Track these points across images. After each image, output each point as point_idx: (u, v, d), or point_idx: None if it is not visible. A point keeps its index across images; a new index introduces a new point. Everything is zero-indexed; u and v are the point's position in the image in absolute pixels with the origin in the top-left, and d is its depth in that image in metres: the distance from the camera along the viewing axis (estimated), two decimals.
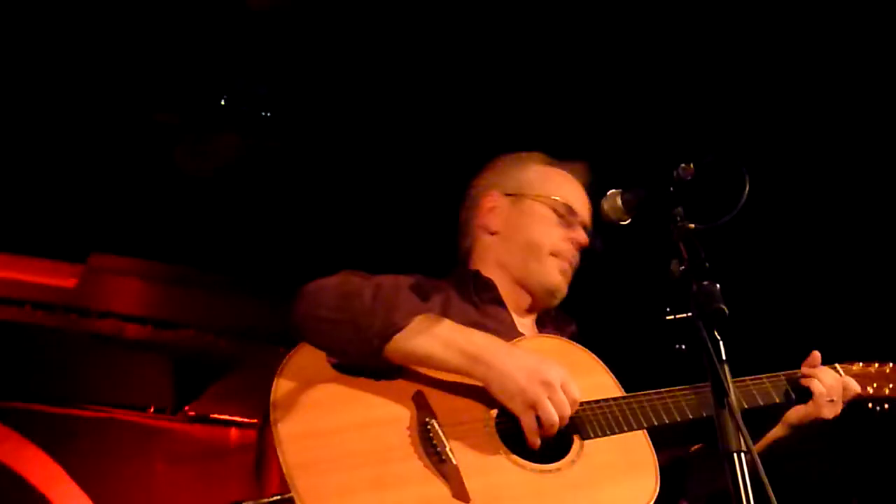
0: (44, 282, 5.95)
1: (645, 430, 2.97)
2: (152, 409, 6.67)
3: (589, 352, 3.14)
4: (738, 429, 2.36)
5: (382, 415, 2.86)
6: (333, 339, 2.91)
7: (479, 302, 3.26)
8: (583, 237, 3.34)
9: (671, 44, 5.09)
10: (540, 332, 3.34)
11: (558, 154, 3.53)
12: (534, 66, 5.21)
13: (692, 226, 2.62)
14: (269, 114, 5.29)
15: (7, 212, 5.43)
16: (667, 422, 2.98)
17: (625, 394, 3.05)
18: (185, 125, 5.35)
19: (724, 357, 2.42)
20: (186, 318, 6.35)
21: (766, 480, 2.30)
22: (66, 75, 5.01)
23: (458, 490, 2.76)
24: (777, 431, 3.24)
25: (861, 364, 3.36)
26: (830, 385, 3.17)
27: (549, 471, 2.85)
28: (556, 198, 3.36)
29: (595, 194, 3.33)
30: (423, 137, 5.51)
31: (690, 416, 2.99)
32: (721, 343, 2.43)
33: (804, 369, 3.22)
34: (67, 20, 4.81)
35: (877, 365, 3.38)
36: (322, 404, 2.87)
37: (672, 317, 2.50)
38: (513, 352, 2.91)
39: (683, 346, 2.50)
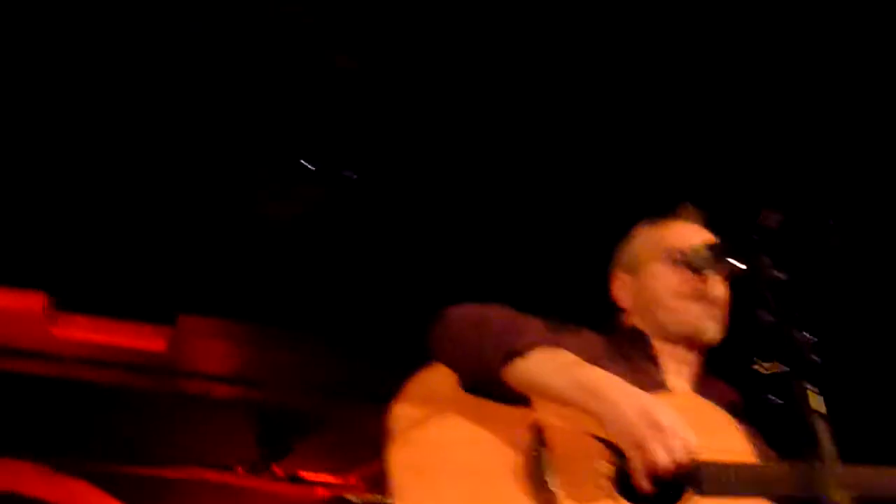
0: (133, 345, 6.02)
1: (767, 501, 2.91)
2: (240, 469, 6.68)
3: (730, 418, 3.09)
4: (837, 484, 2.30)
5: (496, 437, 2.88)
6: (459, 360, 2.95)
7: (631, 357, 3.25)
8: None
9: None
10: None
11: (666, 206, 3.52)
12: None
13: (781, 275, 2.59)
14: (354, 175, 5.34)
15: (97, 275, 5.52)
16: (793, 495, 2.91)
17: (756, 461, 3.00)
18: (270, 179, 5.41)
19: (822, 410, 2.37)
20: (273, 378, 6.38)
21: None
22: (152, 136, 5.10)
23: None
24: None
25: None
26: None
27: None
28: (665, 247, 3.35)
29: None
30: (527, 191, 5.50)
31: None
32: (818, 396, 2.39)
33: None
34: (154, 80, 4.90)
35: None
36: (438, 417, 2.91)
37: (765, 370, 2.46)
38: (630, 390, 2.85)
39: (776, 398, 2.46)
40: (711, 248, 2.86)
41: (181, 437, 6.53)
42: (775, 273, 2.59)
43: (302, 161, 5.28)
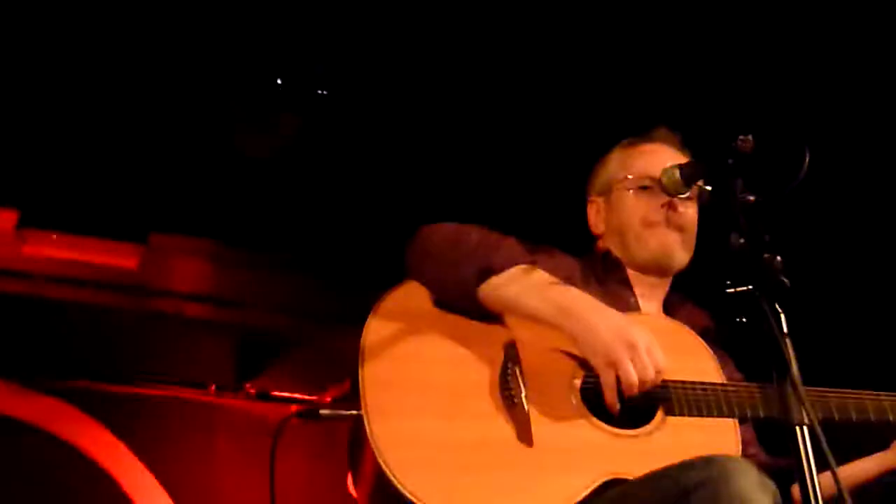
0: (105, 262, 6.00)
1: (735, 421, 2.94)
2: (213, 387, 6.71)
3: (700, 339, 3.13)
4: (801, 402, 2.33)
5: (469, 354, 2.92)
6: (435, 277, 3.00)
7: (604, 280, 3.27)
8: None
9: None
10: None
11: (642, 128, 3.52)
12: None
13: (752, 198, 2.60)
14: (325, 92, 5.29)
15: (67, 192, 5.48)
16: (760, 415, 2.94)
17: (725, 382, 3.03)
18: (243, 105, 5.37)
19: (785, 330, 2.39)
20: (247, 297, 6.38)
21: (829, 454, 2.27)
22: (124, 57, 5.04)
23: (523, 434, 2.79)
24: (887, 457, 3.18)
25: None
26: None
27: (624, 436, 2.85)
28: (634, 174, 3.36)
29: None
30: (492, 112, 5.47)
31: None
32: (783, 316, 2.40)
33: None
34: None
35: None
36: (412, 334, 2.94)
37: (733, 290, 2.48)
38: (605, 310, 2.91)
39: (744, 319, 2.48)
40: (682, 168, 2.87)
41: (153, 356, 6.54)
42: (747, 196, 2.59)
43: (277, 81, 5.24)
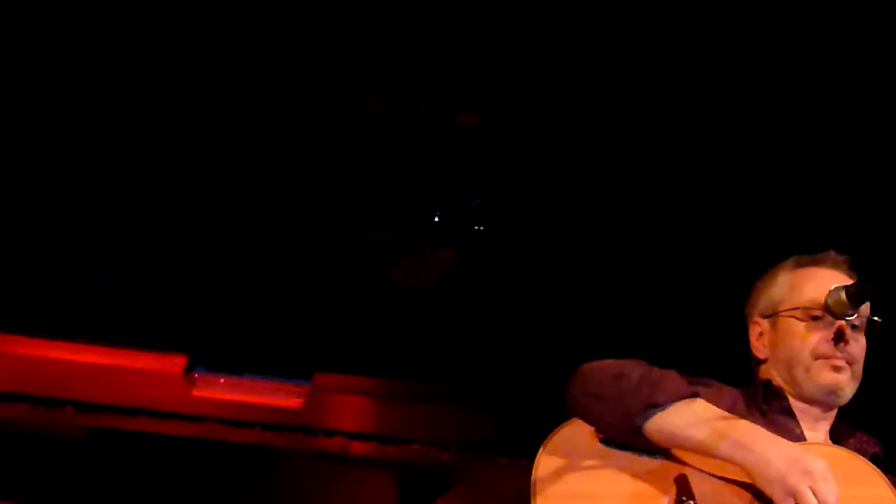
0: (271, 403, 6.09)
1: None
2: None
3: (873, 466, 3.04)
4: None
5: (642, 490, 2.88)
6: (599, 415, 2.97)
7: (768, 411, 3.21)
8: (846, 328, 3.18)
9: None
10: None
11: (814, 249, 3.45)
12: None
13: None
14: (481, 227, 5.36)
15: (234, 334, 5.62)
16: None
17: None
18: (400, 242, 5.46)
19: None
20: (410, 433, 6.40)
21: None
22: (283, 198, 5.19)
23: None
24: None
25: None
26: None
27: None
28: (805, 300, 3.28)
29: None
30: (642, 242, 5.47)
31: None
32: None
33: None
34: (282, 142, 4.98)
35: None
36: (583, 472, 2.91)
37: None
38: (776, 439, 2.87)
39: None
40: (847, 289, 2.80)
41: (319, 495, 6.58)
42: None
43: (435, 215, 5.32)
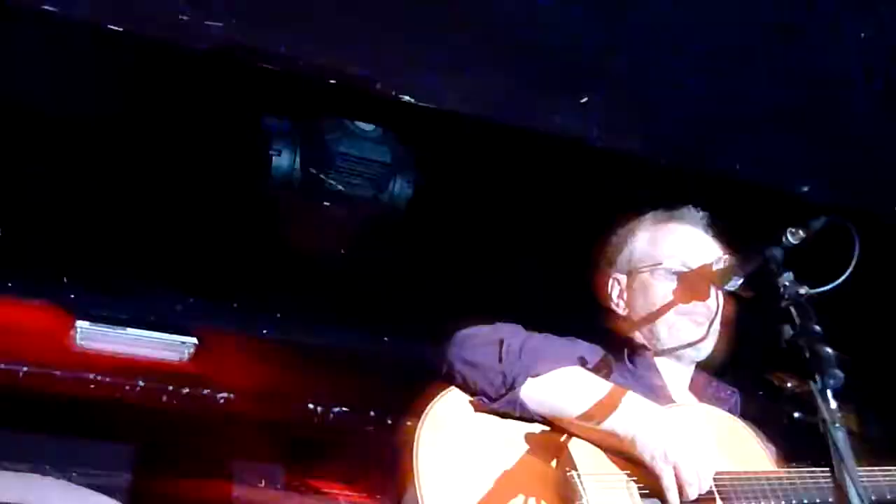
0: (156, 359, 6.03)
1: None
2: (263, 484, 6.68)
3: (743, 423, 3.11)
4: (855, 485, 2.30)
5: (523, 461, 2.88)
6: (477, 384, 2.95)
7: (634, 368, 3.25)
8: (706, 286, 3.25)
9: None
10: (697, 399, 3.31)
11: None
12: None
13: (803, 291, 2.58)
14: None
15: (121, 290, 5.54)
16: (817, 502, 2.92)
17: (775, 468, 3.01)
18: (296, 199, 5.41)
19: (842, 426, 2.36)
20: (296, 394, 6.38)
21: None
22: (174, 153, 5.13)
23: None
24: None
25: None
26: None
27: None
28: (665, 261, 3.33)
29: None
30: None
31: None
32: (838, 411, 2.37)
33: None
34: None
35: None
36: (463, 446, 2.90)
37: (787, 383, 2.46)
38: (655, 410, 2.91)
39: (799, 415, 2.46)
40: (733, 261, 2.87)
41: (203, 453, 6.54)
42: (799, 288, 2.58)
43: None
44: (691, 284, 3.27)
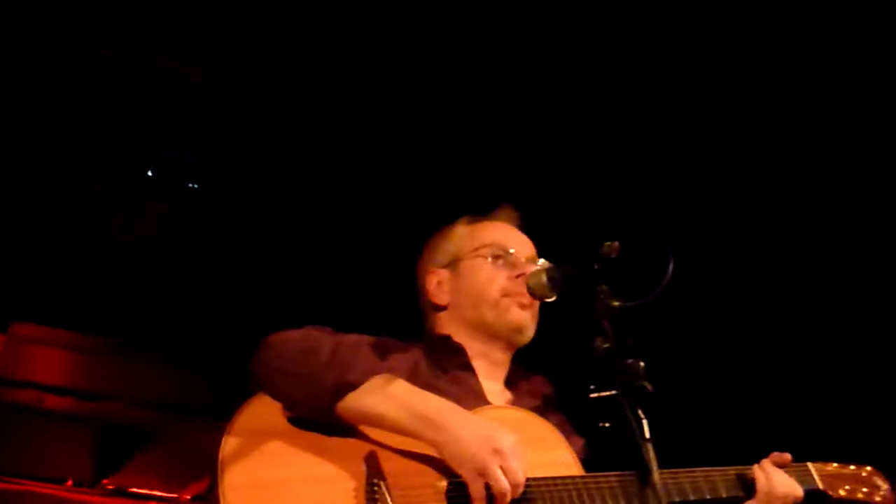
0: None
1: None
2: (70, 483, 6.54)
3: (552, 426, 3.14)
4: (656, 489, 2.36)
5: (331, 472, 2.83)
6: (288, 392, 2.89)
7: (449, 367, 3.25)
8: (529, 268, 3.25)
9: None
10: (513, 395, 3.32)
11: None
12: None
13: (617, 303, 2.63)
14: (196, 185, 5.27)
15: None
16: None
17: (583, 472, 3.04)
18: (114, 194, 5.31)
19: (647, 435, 2.42)
20: (109, 390, 6.26)
21: None
22: None
23: None
24: None
25: (836, 465, 3.36)
26: (774, 485, 3.16)
27: None
28: (486, 244, 3.38)
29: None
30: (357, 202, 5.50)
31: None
32: (645, 421, 2.43)
33: (761, 463, 3.21)
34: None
35: (852, 467, 3.38)
36: (271, 456, 2.83)
37: (597, 394, 2.50)
38: (467, 418, 2.89)
39: (608, 424, 2.50)
40: (549, 272, 2.91)
41: (10, 448, 6.37)
42: (612, 301, 2.63)
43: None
44: (514, 269, 3.33)
